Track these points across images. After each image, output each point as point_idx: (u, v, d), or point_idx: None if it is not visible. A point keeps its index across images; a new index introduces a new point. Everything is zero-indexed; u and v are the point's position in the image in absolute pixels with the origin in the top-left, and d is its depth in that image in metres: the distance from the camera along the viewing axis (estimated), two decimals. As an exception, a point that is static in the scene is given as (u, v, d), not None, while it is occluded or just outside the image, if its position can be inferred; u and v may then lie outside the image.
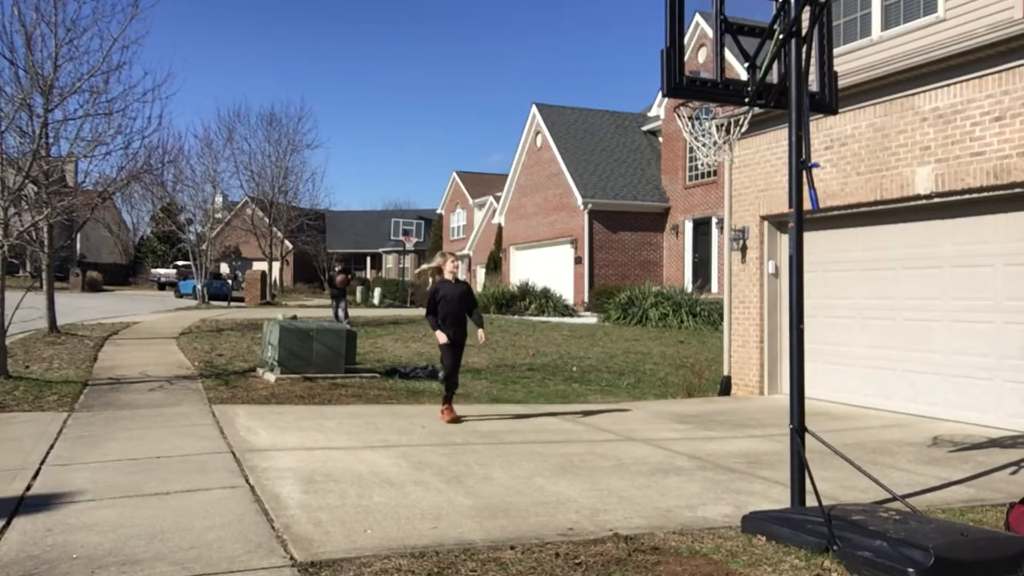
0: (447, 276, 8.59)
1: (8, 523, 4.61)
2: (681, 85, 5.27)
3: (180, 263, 48.11)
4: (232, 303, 35.89)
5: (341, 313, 20.86)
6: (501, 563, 4.11)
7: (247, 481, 5.67)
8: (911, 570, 3.83)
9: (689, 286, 26.15)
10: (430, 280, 8.89)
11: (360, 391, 10.50)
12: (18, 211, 12.42)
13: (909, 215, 9.30)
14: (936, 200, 8.79)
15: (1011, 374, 8.25)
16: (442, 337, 8.38)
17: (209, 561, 4.04)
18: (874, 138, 9.45)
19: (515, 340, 18.04)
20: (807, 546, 4.37)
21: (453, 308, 8.45)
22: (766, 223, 11.07)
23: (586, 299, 28.68)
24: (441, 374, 8.69)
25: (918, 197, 8.93)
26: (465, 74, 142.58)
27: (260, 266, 45.75)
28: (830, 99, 5.77)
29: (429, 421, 8.46)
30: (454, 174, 51.54)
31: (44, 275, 16.84)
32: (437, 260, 8.74)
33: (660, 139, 31.08)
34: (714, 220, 26.38)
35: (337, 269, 22.47)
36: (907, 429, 8.47)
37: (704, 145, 8.94)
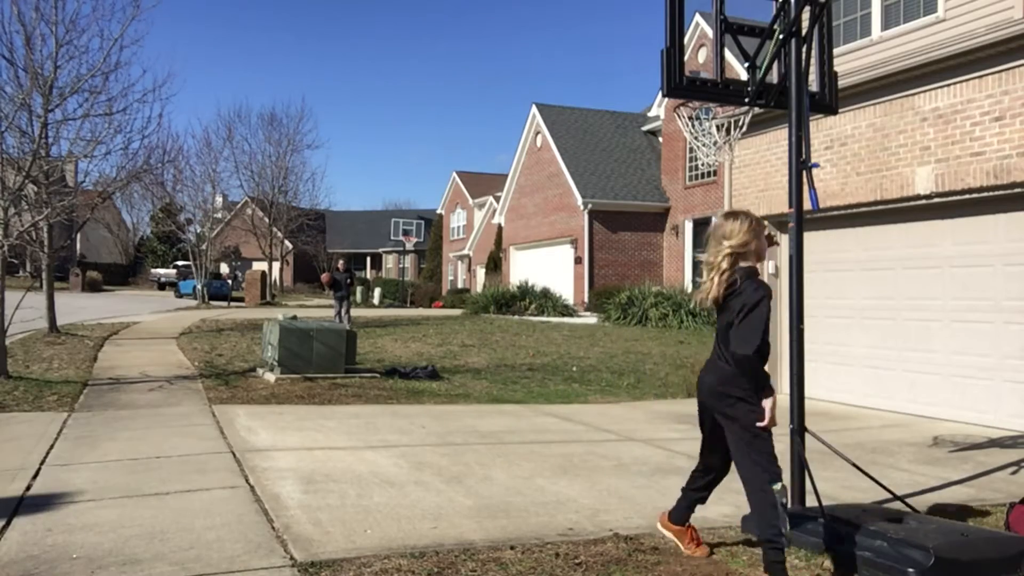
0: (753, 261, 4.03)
1: (8, 523, 4.61)
2: (681, 85, 5.27)
3: (180, 263, 48.15)
4: (232, 303, 35.90)
5: (343, 314, 19.64)
6: (501, 563, 4.11)
7: (247, 481, 5.67)
8: (911, 570, 3.83)
9: (689, 286, 26.14)
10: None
11: (360, 391, 10.49)
12: (18, 211, 12.42)
13: (909, 215, 9.30)
14: (936, 200, 8.79)
15: (1011, 374, 8.25)
16: (770, 410, 3.86)
17: (209, 561, 4.04)
18: (874, 138, 9.45)
19: (515, 340, 18.04)
20: (807, 546, 4.37)
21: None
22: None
23: (586, 299, 28.67)
24: (776, 487, 3.89)
25: (918, 197, 8.93)
26: (466, 74, 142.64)
27: (260, 266, 45.76)
28: (830, 99, 5.77)
29: (429, 421, 8.45)
30: (454, 174, 51.54)
31: (44, 275, 16.84)
32: (742, 229, 3.98)
33: (660, 139, 31.07)
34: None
35: (340, 267, 20.57)
36: (907, 429, 8.47)
37: (704, 145, 8.95)
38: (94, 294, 43.20)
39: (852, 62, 9.65)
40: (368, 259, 63.63)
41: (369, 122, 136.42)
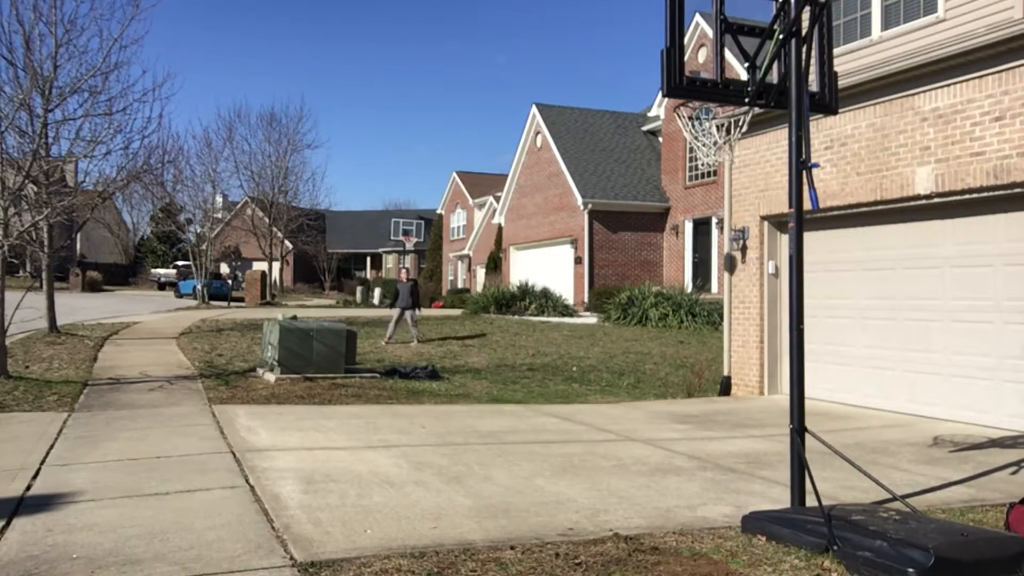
0: None
1: (8, 523, 4.61)
2: (681, 85, 5.27)
3: (180, 263, 48.13)
4: (232, 303, 35.90)
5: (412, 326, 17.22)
6: (501, 563, 4.11)
7: (247, 481, 5.67)
8: (911, 570, 3.82)
9: (689, 286, 26.13)
10: None
11: (360, 391, 10.49)
12: (18, 211, 12.41)
13: (909, 215, 9.30)
14: (936, 200, 8.79)
15: (1011, 374, 8.25)
16: None
17: (209, 561, 4.04)
18: (874, 138, 9.45)
19: (515, 340, 18.04)
20: (807, 546, 4.37)
21: None
22: (766, 223, 11.06)
23: (586, 299, 28.66)
24: None
25: (918, 197, 8.93)
26: (467, 74, 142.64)
27: (260, 266, 45.77)
28: (830, 99, 5.77)
29: (429, 421, 8.45)
30: (454, 174, 51.52)
31: (44, 275, 16.84)
32: None
33: (660, 139, 31.07)
34: (714, 220, 26.37)
35: (404, 279, 17.77)
36: (907, 429, 8.47)
37: (704, 145, 8.95)
38: (94, 294, 43.18)
39: (852, 62, 9.65)
40: (368, 259, 63.63)
41: (369, 122, 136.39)
